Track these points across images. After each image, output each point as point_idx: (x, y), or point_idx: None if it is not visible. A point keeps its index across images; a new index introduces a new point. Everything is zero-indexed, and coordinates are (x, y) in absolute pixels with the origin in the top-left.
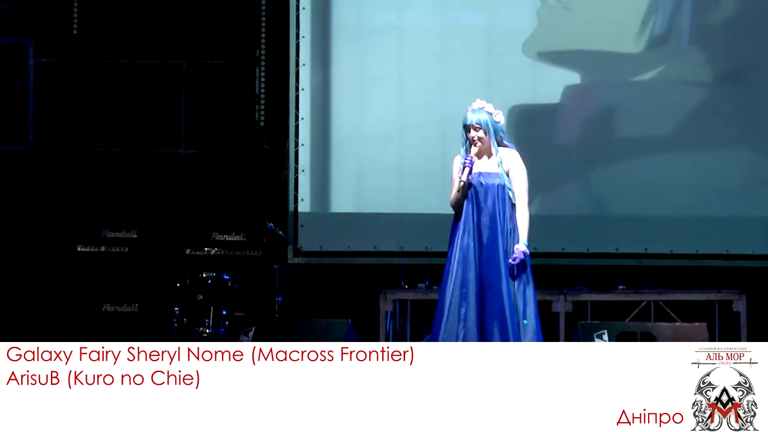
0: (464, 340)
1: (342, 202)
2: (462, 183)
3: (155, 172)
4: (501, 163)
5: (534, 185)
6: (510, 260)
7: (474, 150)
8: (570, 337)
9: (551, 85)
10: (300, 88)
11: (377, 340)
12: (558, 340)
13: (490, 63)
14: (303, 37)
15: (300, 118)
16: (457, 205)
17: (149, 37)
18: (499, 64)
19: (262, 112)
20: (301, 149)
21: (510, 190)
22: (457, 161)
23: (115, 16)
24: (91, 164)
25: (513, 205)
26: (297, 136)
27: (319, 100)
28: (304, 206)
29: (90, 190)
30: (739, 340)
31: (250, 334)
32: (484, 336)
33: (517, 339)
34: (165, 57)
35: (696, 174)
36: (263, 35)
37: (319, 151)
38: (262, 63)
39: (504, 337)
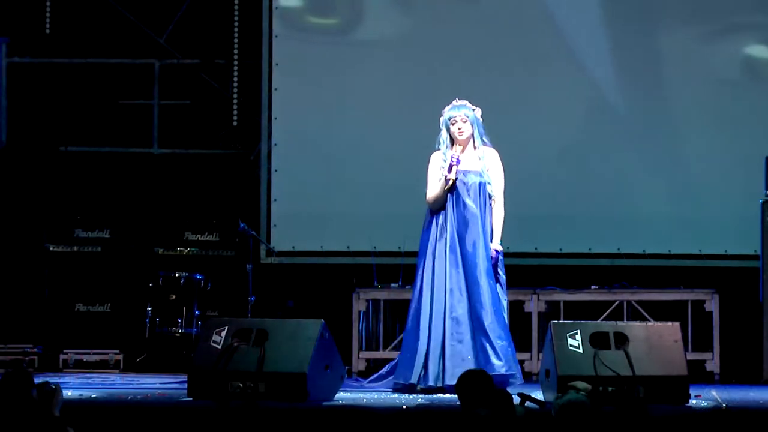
0: (457, 337)
1: (315, 201)
2: (451, 181)
3: (128, 171)
4: (482, 158)
5: (507, 184)
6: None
7: (458, 149)
8: (543, 337)
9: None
10: (273, 88)
11: (350, 339)
12: (531, 340)
13: (465, 66)
14: (276, 36)
15: (273, 117)
16: (437, 202)
17: (122, 37)
18: (480, 65)
19: (235, 112)
20: (274, 149)
21: (489, 184)
22: (436, 159)
23: (88, 15)
24: (63, 164)
25: (491, 203)
26: (270, 135)
27: (292, 99)
28: (277, 206)
29: (62, 190)
30: (711, 339)
31: (223, 334)
32: (474, 332)
33: (507, 332)
34: (138, 56)
35: (668, 173)
36: (236, 35)
37: (292, 151)
38: (236, 62)
39: (489, 329)
